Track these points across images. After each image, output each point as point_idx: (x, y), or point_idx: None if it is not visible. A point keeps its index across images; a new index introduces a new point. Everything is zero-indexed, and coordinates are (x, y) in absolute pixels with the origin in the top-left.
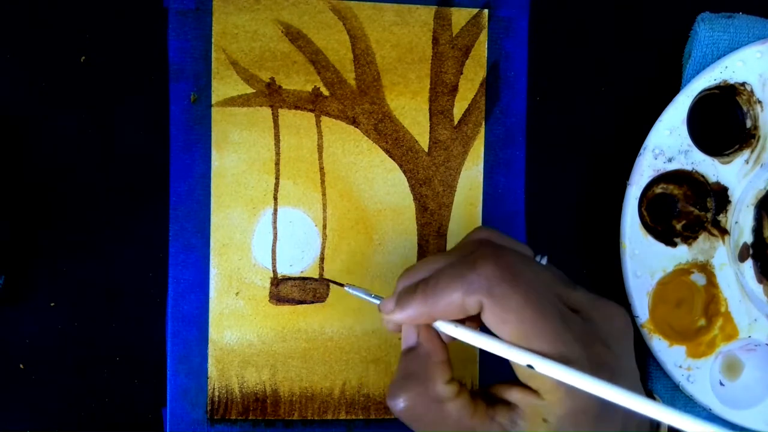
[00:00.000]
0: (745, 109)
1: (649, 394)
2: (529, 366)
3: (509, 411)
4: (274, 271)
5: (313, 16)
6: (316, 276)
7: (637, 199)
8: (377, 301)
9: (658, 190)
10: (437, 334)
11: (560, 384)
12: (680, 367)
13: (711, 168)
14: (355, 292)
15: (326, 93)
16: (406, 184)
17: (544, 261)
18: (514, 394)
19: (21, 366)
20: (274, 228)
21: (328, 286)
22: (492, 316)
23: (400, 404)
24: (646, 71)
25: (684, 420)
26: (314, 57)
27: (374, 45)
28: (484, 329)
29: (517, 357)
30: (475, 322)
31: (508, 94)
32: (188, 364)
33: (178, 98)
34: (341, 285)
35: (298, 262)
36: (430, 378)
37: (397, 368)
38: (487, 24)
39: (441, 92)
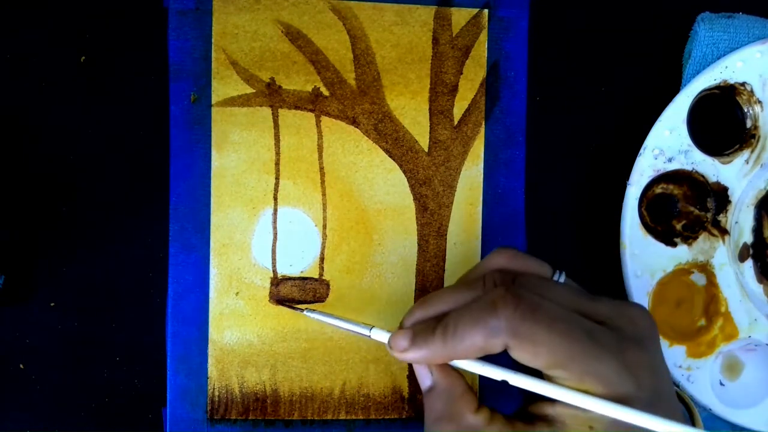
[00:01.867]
0: (745, 109)
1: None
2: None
3: (549, 426)
4: (274, 271)
5: (313, 16)
6: (316, 276)
7: (637, 199)
8: (366, 332)
9: (658, 190)
10: (450, 367)
11: None
12: (680, 367)
13: (711, 168)
14: (343, 324)
15: (326, 93)
16: (406, 184)
17: (562, 278)
18: (557, 409)
19: (21, 366)
20: (274, 228)
21: (328, 286)
22: (522, 354)
23: None
24: (646, 71)
25: None
26: (314, 57)
27: (374, 45)
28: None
29: (562, 395)
30: None
31: (508, 94)
32: (188, 364)
33: (178, 98)
34: (300, 310)
35: (298, 262)
36: (458, 414)
37: (425, 411)
38: (487, 24)
39: (441, 92)
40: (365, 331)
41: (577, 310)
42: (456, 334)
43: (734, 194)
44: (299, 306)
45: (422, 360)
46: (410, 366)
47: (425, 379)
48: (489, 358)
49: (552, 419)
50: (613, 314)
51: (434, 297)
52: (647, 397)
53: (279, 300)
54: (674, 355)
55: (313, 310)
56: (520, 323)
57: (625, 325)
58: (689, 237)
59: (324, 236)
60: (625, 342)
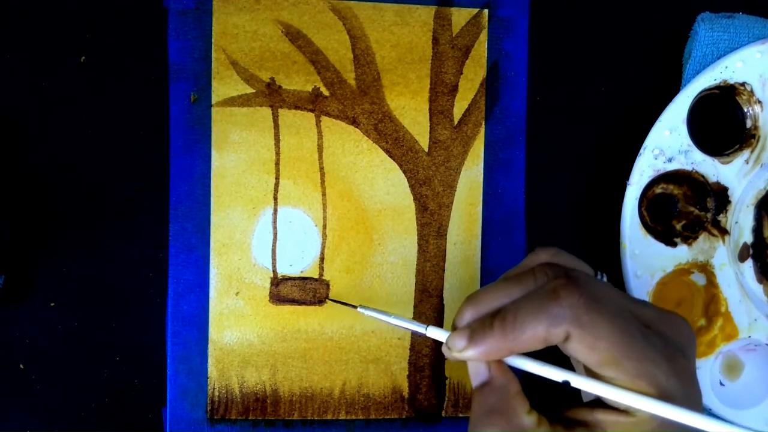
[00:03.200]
0: (745, 109)
1: None
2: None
3: None
4: (274, 271)
5: (313, 16)
6: (316, 276)
7: (637, 199)
8: (422, 329)
9: (658, 190)
10: (506, 365)
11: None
12: None
13: (711, 168)
14: (398, 322)
15: (326, 93)
16: (406, 184)
17: (604, 279)
18: (597, 415)
19: (21, 366)
20: (274, 228)
21: (328, 286)
22: (580, 345)
23: None
24: (646, 71)
25: None
26: (314, 57)
27: (374, 45)
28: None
29: (625, 398)
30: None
31: (508, 94)
32: (188, 364)
33: (178, 98)
34: (354, 306)
35: (298, 262)
36: (511, 411)
37: (474, 404)
38: (487, 24)
39: (441, 92)
40: (421, 329)
41: (631, 312)
42: (516, 325)
43: (734, 194)
44: (351, 303)
45: (482, 356)
46: (410, 366)
47: (480, 375)
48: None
49: (592, 425)
50: (658, 320)
51: (483, 294)
52: (689, 405)
53: (330, 299)
54: None
55: (367, 307)
56: (584, 312)
57: (670, 332)
58: (689, 237)
59: (324, 236)
60: (672, 348)
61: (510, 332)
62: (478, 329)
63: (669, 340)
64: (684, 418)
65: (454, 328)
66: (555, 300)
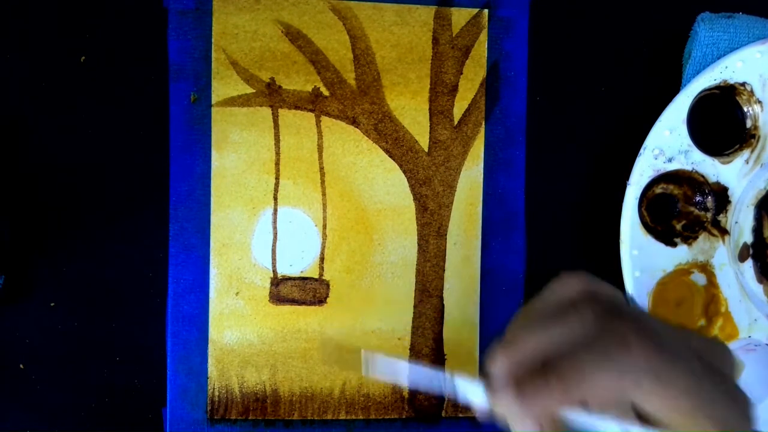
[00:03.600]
0: (745, 109)
1: None
2: None
3: None
4: (274, 271)
5: (313, 16)
6: (316, 276)
7: (637, 199)
8: (447, 381)
9: (658, 190)
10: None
11: None
12: None
13: (711, 168)
14: (414, 375)
15: (326, 93)
16: (406, 184)
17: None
18: None
19: (21, 366)
20: (274, 228)
21: (328, 286)
22: (653, 396)
23: None
24: (646, 71)
25: None
26: (314, 57)
27: (374, 45)
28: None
29: None
30: None
31: (508, 94)
32: (188, 364)
33: (178, 98)
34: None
35: (298, 262)
36: None
37: None
38: (487, 24)
39: (441, 92)
40: (443, 383)
41: (687, 348)
42: (580, 378)
43: (734, 194)
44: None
45: (537, 415)
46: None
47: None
48: None
49: None
50: (707, 350)
51: (519, 338)
52: None
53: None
54: None
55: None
56: (658, 361)
57: (719, 363)
58: (689, 237)
59: (324, 236)
60: (729, 383)
61: (574, 387)
62: (528, 384)
63: (723, 375)
64: None
65: (484, 377)
66: (625, 351)
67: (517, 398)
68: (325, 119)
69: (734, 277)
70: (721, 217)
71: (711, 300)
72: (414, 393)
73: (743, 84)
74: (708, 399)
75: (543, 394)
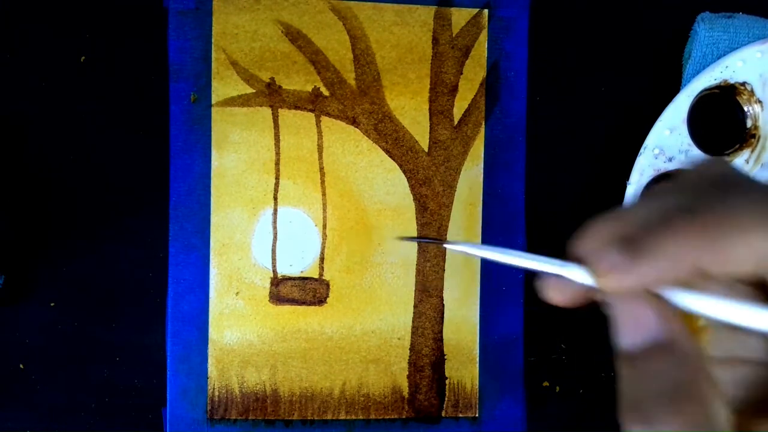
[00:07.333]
0: (745, 108)
1: None
2: None
3: None
4: (274, 271)
5: (313, 16)
6: (316, 276)
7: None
8: (574, 267)
9: None
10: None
11: None
12: None
13: None
14: (535, 261)
15: (326, 93)
16: (406, 184)
17: None
18: None
19: (21, 366)
20: (274, 228)
21: (328, 286)
22: None
23: None
24: (647, 71)
25: None
26: (314, 57)
27: (374, 45)
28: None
29: None
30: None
31: (508, 94)
32: (188, 364)
33: (178, 98)
34: (439, 242)
35: (298, 262)
36: (706, 398)
37: (633, 379)
38: (487, 24)
39: (441, 92)
40: (553, 268)
41: None
42: (727, 225)
43: None
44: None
45: (656, 275)
46: (410, 366)
47: (645, 328)
48: None
49: None
50: None
51: (626, 211)
52: None
53: (407, 238)
54: None
55: (455, 242)
56: None
57: None
58: None
59: (324, 236)
60: None
61: (720, 238)
62: (644, 238)
63: None
64: None
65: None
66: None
67: (631, 257)
68: (325, 119)
69: None
70: None
71: None
72: (414, 393)
73: (743, 84)
74: None
75: (669, 243)
